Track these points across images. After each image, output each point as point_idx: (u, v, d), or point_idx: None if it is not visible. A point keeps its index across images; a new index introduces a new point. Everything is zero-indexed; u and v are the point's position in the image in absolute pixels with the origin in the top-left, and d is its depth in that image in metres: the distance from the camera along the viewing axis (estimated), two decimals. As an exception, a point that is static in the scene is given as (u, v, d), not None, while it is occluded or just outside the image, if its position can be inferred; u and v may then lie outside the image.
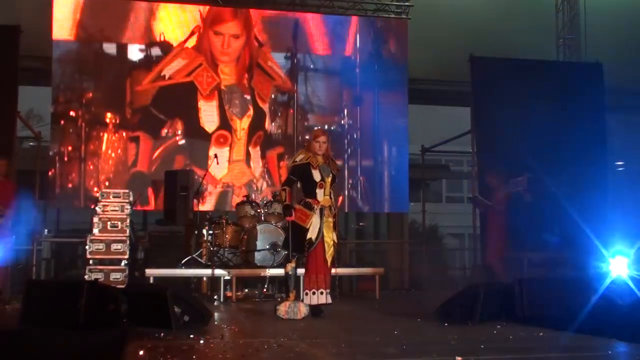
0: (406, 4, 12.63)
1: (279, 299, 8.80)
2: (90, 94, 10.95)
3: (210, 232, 9.28)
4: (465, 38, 12.68)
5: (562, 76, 11.18)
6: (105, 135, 10.89)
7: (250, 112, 11.39)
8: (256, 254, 9.05)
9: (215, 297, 8.70)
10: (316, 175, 6.69)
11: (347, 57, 12.06)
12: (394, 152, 11.93)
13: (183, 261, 9.00)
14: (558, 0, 13.56)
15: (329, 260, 6.69)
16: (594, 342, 4.94)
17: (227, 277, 8.73)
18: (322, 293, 6.64)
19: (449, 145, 13.02)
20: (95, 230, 8.86)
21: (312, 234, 6.59)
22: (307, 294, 6.66)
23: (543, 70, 11.17)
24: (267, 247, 9.07)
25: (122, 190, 9.20)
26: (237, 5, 11.87)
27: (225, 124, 11.17)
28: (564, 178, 9.26)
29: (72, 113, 10.88)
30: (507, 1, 13.72)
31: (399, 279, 12.68)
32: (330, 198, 6.74)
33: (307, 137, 6.54)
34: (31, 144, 13.21)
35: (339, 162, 7.72)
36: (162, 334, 5.04)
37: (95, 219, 8.88)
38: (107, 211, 8.94)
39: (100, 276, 8.62)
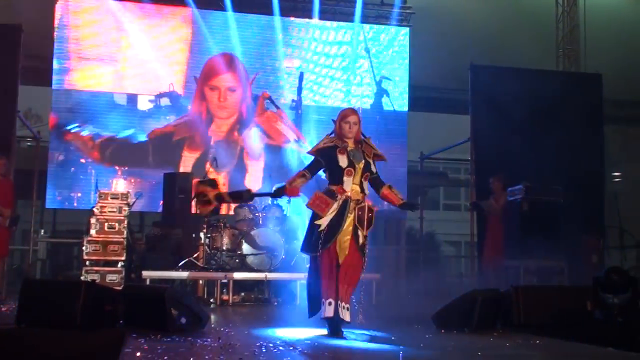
0: (408, 11, 12.69)
1: (275, 303, 8.83)
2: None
3: (208, 235, 9.28)
4: (466, 46, 12.73)
5: (561, 86, 11.19)
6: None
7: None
8: (253, 257, 9.06)
9: (212, 300, 8.70)
10: (342, 161, 5.49)
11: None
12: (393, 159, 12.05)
13: (180, 264, 8.99)
14: (558, 11, 13.62)
15: (341, 260, 5.41)
16: (589, 350, 4.95)
17: (224, 281, 8.72)
18: (330, 304, 5.37)
19: (447, 153, 13.04)
20: (93, 231, 8.83)
21: (324, 226, 5.43)
22: (330, 303, 5.40)
23: (542, 80, 11.19)
24: (264, 251, 9.07)
25: (120, 192, 9.20)
26: (240, 9, 11.97)
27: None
28: (561, 187, 9.27)
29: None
30: (508, 11, 13.78)
31: (395, 285, 12.67)
32: (362, 190, 5.54)
33: (332, 119, 5.77)
34: (29, 143, 13.22)
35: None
36: (159, 336, 5.02)
37: (93, 220, 8.85)
38: (104, 212, 8.91)
39: (96, 277, 8.60)
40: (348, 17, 12.55)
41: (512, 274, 8.82)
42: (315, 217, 5.49)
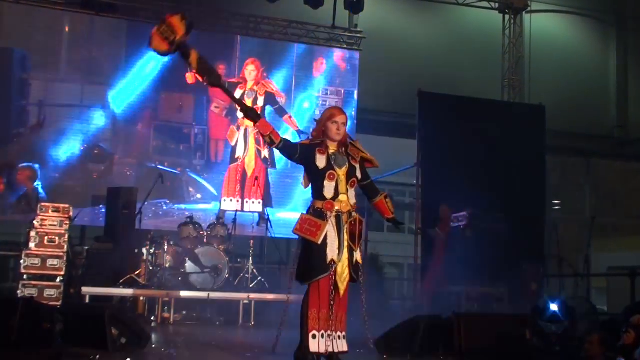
0: (358, 35, 12.85)
1: (217, 323, 8.74)
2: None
3: (151, 251, 9.14)
4: (415, 73, 12.99)
5: (506, 116, 11.49)
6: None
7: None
8: (196, 276, 8.95)
9: (153, 318, 8.55)
10: (320, 161, 4.80)
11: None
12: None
13: (121, 280, 8.82)
14: (505, 42, 13.98)
15: (342, 288, 4.74)
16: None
17: (166, 299, 8.60)
18: (329, 336, 4.69)
19: (393, 176, 13.16)
20: (32, 245, 8.56)
21: (332, 253, 4.69)
22: (314, 336, 4.66)
23: (488, 110, 11.45)
24: (208, 270, 8.98)
25: (62, 205, 8.95)
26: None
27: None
28: (504, 214, 9.46)
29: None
30: (457, 40, 14.09)
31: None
32: (351, 199, 4.82)
33: (314, 119, 5.14)
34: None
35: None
36: (97, 356, 4.91)
37: (33, 233, 8.59)
38: (45, 225, 8.67)
39: (33, 292, 8.34)
40: (299, 39, 12.65)
41: (454, 299, 8.94)
42: (306, 241, 4.74)
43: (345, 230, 4.73)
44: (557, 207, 15.63)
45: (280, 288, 9.13)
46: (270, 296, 9.05)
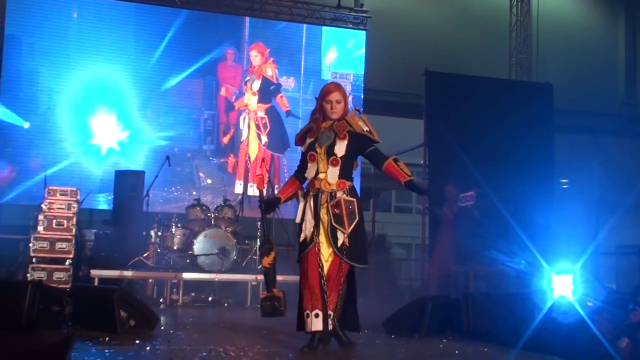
0: (364, 15, 12.76)
1: (226, 305, 8.77)
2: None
3: (159, 234, 9.17)
4: (422, 52, 12.91)
5: (513, 95, 11.40)
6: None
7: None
8: (204, 258, 8.98)
9: (161, 300, 8.59)
10: (305, 146, 4.81)
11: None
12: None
13: (130, 263, 8.86)
14: (512, 20, 13.87)
15: (325, 267, 4.67)
16: (537, 359, 5.03)
17: (174, 281, 8.63)
18: (316, 316, 4.64)
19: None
20: (40, 228, 8.62)
21: (306, 232, 4.71)
22: (307, 315, 4.70)
23: (495, 88, 11.37)
24: (216, 251, 9.00)
25: (69, 188, 8.98)
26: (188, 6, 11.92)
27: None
28: (512, 194, 9.41)
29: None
30: (463, 19, 13.99)
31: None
32: (331, 178, 4.68)
33: (315, 97, 4.97)
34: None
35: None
36: (107, 339, 4.94)
37: (41, 217, 8.64)
38: (53, 209, 8.71)
39: (43, 275, 8.41)
40: (304, 19, 12.57)
41: (462, 279, 8.93)
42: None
43: (324, 210, 4.68)
44: (565, 186, 15.56)
45: (287, 269, 9.15)
46: (277, 277, 9.02)
